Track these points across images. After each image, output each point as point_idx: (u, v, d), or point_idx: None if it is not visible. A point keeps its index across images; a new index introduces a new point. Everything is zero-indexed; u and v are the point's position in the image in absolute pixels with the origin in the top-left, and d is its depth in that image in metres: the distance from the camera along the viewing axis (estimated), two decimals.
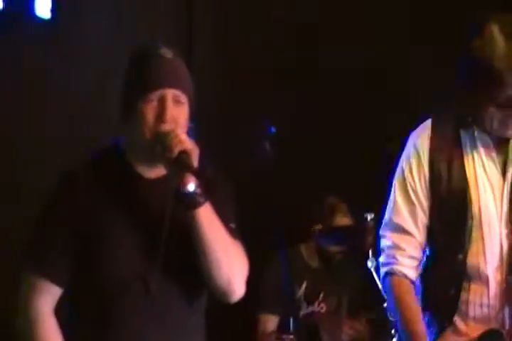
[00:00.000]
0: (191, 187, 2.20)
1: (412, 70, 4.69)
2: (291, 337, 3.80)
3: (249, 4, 4.94)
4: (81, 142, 4.32)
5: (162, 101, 2.26)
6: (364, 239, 3.90)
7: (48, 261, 2.30)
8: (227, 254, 2.27)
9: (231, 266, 2.27)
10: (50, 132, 4.29)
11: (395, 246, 2.57)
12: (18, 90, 4.20)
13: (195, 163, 2.20)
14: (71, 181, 2.33)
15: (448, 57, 2.65)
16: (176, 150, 2.19)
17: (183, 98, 2.29)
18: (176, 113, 2.27)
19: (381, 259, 2.64)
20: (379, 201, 4.24)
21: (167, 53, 2.30)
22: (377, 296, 3.80)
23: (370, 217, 3.93)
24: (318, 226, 4.30)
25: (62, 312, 2.35)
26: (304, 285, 4.23)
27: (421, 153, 2.56)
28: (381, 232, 2.65)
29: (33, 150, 4.24)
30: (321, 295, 4.23)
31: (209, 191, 2.26)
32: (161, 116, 2.25)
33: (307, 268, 4.32)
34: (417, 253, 2.57)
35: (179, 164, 2.19)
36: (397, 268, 2.57)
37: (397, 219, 2.58)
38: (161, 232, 2.27)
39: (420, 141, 2.57)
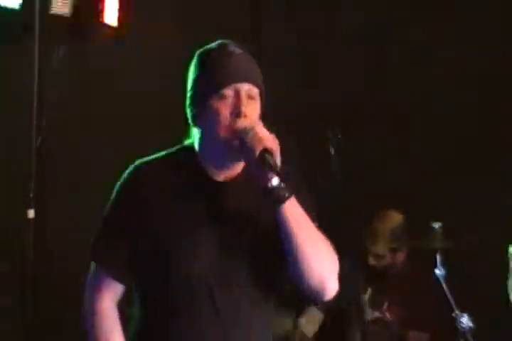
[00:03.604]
0: (275, 181, 2.13)
1: None
2: None
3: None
4: (148, 141, 4.38)
5: (237, 96, 2.21)
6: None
7: (113, 260, 2.29)
8: (316, 250, 2.19)
9: (321, 262, 2.19)
10: (116, 132, 4.34)
11: None
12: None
13: (278, 161, 2.15)
14: (140, 177, 2.30)
15: None
16: (258, 149, 2.13)
17: (256, 93, 2.25)
18: (250, 108, 2.23)
19: None
20: (446, 210, 4.29)
21: (236, 49, 2.27)
22: (445, 305, 3.77)
23: (437, 226, 3.89)
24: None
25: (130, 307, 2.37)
26: (368, 292, 4.19)
27: None
28: None
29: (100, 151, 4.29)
30: (385, 305, 4.18)
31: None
32: (236, 111, 2.20)
33: (371, 275, 4.27)
34: None
35: (262, 163, 2.13)
36: None
37: None
38: (232, 233, 2.23)
39: None
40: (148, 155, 4.27)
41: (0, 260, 3.99)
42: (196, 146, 2.31)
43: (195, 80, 2.28)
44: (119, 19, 4.23)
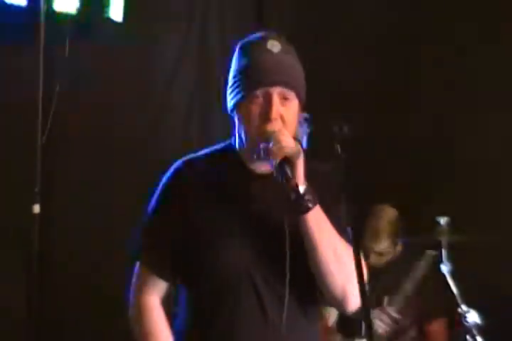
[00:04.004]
0: (297, 191, 2.10)
1: None
2: None
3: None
4: (155, 140, 4.41)
5: (267, 99, 2.18)
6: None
7: (156, 258, 2.29)
8: (339, 261, 2.13)
9: (345, 274, 2.12)
10: (122, 128, 4.35)
11: None
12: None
13: (300, 169, 2.11)
14: (183, 173, 2.30)
15: None
16: (278, 157, 2.11)
17: (290, 94, 2.21)
18: (284, 110, 2.19)
19: None
20: (451, 204, 4.25)
21: (274, 47, 2.21)
22: (451, 301, 3.73)
23: (443, 220, 3.84)
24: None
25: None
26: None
27: None
28: None
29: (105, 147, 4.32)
30: (386, 300, 4.11)
31: (323, 193, 2.15)
32: (266, 114, 2.17)
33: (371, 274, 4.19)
34: None
35: (280, 173, 2.11)
36: None
37: None
38: (271, 228, 2.19)
39: None
40: (150, 152, 4.36)
41: (5, 255, 4.00)
42: (236, 140, 2.30)
43: (232, 76, 2.26)
44: (125, 15, 4.23)
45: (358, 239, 2.15)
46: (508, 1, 4.61)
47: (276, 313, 2.20)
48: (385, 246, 4.20)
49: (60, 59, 4.08)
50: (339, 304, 2.18)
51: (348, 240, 2.16)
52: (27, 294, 3.98)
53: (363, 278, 1.93)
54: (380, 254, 4.20)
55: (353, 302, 2.17)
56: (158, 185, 2.34)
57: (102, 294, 4.15)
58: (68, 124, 4.20)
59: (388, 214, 4.24)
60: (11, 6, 4.01)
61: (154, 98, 4.49)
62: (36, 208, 3.98)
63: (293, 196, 2.09)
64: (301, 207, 2.11)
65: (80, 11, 4.14)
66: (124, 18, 4.25)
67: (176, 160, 4.21)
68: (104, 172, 4.24)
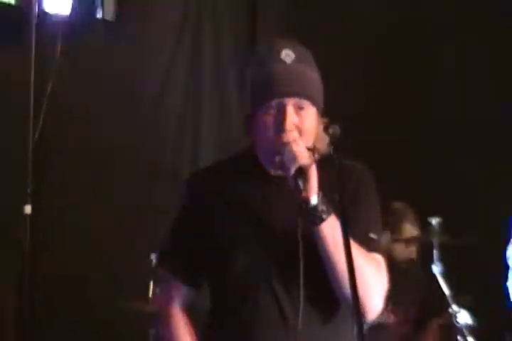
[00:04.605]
0: (311, 202, 2.09)
1: None
2: None
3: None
4: (146, 140, 4.41)
5: (281, 111, 2.17)
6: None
7: (177, 265, 2.33)
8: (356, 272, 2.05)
9: (361, 283, 2.01)
10: (115, 129, 4.35)
11: None
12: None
13: (312, 180, 2.09)
14: (200, 181, 2.33)
15: None
16: (292, 169, 2.10)
17: (306, 103, 2.19)
18: (299, 120, 2.18)
19: None
20: (444, 205, 4.22)
21: (288, 56, 2.19)
22: (443, 301, 3.70)
23: (434, 221, 3.81)
24: (387, 234, 4.15)
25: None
26: None
27: None
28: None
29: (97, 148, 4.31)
30: (389, 306, 4.07)
31: (348, 199, 2.13)
32: (280, 125, 2.16)
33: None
34: None
35: (295, 184, 2.10)
36: None
37: None
38: (285, 235, 2.18)
39: None
40: (143, 154, 4.36)
41: None
42: (254, 146, 2.30)
43: (246, 85, 2.26)
44: (117, 15, 4.25)
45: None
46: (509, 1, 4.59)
47: (295, 317, 2.16)
48: (410, 229, 4.12)
49: (51, 59, 4.09)
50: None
51: (373, 246, 2.17)
52: (18, 294, 3.99)
53: (355, 281, 1.92)
54: (408, 244, 4.13)
55: (371, 311, 2.18)
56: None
57: (94, 294, 4.16)
58: (60, 125, 4.21)
59: (407, 206, 4.21)
60: (3, 6, 4.03)
61: (149, 98, 4.50)
62: (27, 209, 4.00)
63: (305, 208, 2.09)
64: (314, 219, 2.09)
65: (72, 10, 4.15)
66: (117, 17, 4.27)
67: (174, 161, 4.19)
68: (94, 173, 4.24)
